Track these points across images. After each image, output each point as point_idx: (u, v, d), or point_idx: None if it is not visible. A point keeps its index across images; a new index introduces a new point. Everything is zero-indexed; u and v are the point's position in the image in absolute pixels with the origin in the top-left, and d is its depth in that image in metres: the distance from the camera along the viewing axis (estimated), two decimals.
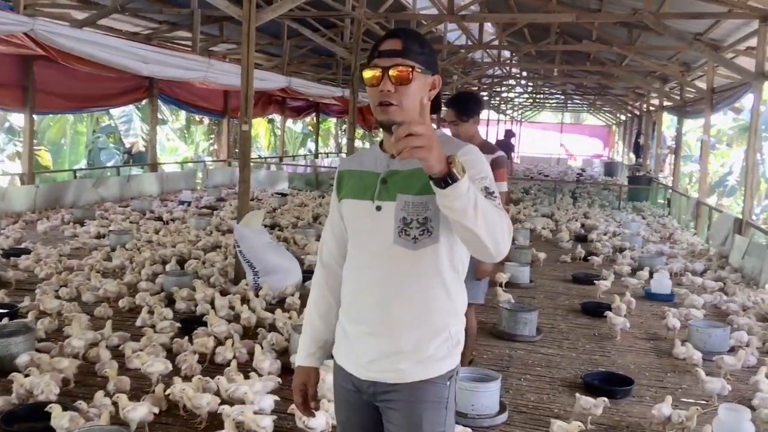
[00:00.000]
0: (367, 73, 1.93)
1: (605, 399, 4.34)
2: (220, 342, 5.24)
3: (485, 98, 29.42)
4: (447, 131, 2.03)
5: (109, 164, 20.35)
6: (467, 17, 10.15)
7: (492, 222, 1.68)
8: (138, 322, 5.75)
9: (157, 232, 9.89)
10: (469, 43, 16.06)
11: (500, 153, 4.61)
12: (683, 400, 4.85)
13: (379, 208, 1.95)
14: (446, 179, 1.55)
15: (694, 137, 26.94)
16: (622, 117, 31.60)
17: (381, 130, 2.05)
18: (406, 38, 1.94)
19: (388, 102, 1.89)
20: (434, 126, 1.86)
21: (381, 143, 2.07)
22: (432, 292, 1.92)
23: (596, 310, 6.94)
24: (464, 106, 4.60)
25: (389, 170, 1.96)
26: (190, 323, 5.68)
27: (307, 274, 7.22)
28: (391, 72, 1.88)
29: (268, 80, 13.26)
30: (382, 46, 1.95)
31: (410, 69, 1.89)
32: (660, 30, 9.36)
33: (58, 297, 6.28)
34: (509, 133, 20.25)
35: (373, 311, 1.95)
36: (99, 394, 4.06)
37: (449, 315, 1.95)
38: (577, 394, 4.42)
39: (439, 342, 1.93)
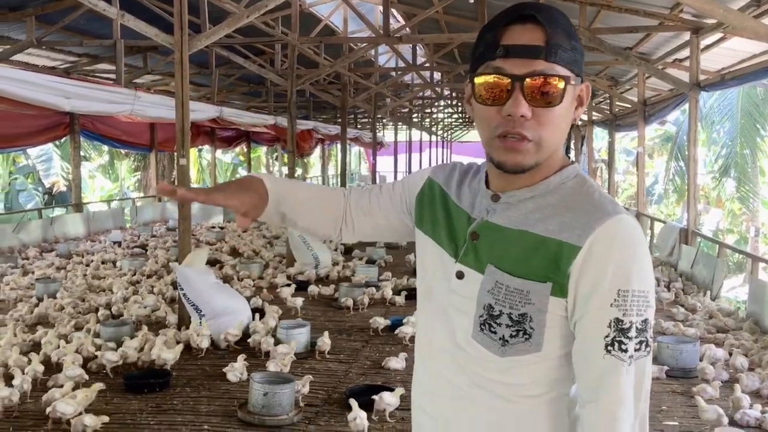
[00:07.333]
0: (483, 81, 1.18)
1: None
2: None
3: (415, 119, 29.51)
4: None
5: (29, 206, 19.26)
6: (404, 38, 9.97)
7: None
8: None
9: (85, 275, 9.23)
10: (401, 65, 15.98)
11: None
12: (665, 423, 4.69)
13: (460, 275, 1.27)
14: None
15: (617, 149, 27.66)
16: None
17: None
18: (551, 23, 1.15)
19: (521, 135, 1.18)
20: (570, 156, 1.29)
21: (486, 174, 1.33)
22: (522, 426, 1.25)
23: None
24: None
25: (484, 221, 1.27)
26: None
27: (256, 311, 6.80)
28: (528, 85, 1.15)
29: (199, 111, 12.71)
30: (508, 35, 1.16)
31: (563, 81, 1.15)
32: (596, 45, 9.41)
33: None
34: None
35: (435, 424, 1.34)
36: None
37: None
38: None
39: None
